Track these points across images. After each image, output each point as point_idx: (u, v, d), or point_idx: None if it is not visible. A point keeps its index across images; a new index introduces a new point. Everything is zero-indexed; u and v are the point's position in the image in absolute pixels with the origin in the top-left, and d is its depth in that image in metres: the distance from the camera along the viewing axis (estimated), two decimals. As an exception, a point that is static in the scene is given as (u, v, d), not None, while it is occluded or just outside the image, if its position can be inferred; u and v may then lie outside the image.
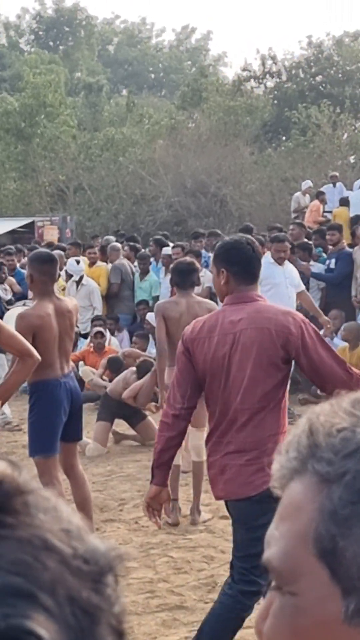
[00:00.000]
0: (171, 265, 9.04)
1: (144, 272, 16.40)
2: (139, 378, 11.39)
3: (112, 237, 20.49)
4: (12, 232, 27.05)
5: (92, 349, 13.87)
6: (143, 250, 17.79)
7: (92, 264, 16.51)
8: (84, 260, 16.26)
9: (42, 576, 0.65)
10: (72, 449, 7.66)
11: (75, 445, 7.75)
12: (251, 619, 6.07)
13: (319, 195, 22.04)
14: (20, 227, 27.68)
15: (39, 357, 6.67)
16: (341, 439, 1.03)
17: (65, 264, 15.79)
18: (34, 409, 7.33)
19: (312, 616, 1.04)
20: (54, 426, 7.32)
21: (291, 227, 16.62)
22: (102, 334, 13.90)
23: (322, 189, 22.56)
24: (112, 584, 0.69)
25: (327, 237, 15.33)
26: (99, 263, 16.58)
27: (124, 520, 8.46)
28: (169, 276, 11.32)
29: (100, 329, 14.00)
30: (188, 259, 9.74)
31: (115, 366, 12.92)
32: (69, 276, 15.73)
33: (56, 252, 16.16)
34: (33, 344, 6.98)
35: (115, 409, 11.24)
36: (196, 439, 8.48)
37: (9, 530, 0.66)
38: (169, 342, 8.42)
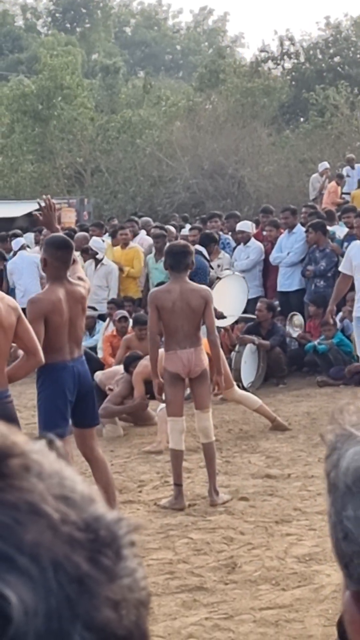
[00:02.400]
0: (164, 249, 8.97)
1: (160, 252, 16.15)
2: (126, 369, 11.53)
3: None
4: (29, 215, 27.01)
5: (115, 332, 13.87)
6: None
7: (124, 245, 16.42)
8: (106, 241, 16.44)
9: (23, 539, 0.64)
10: (88, 434, 7.65)
11: (91, 431, 7.74)
12: (271, 601, 6.09)
13: (340, 177, 21.97)
14: (38, 210, 27.64)
15: (42, 359, 6.70)
16: None
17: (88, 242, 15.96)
18: (41, 391, 7.40)
19: (344, 596, 1.04)
20: (59, 408, 7.35)
21: (304, 209, 16.59)
22: (125, 318, 13.90)
23: (342, 171, 22.47)
24: (112, 555, 0.68)
25: (343, 220, 15.31)
26: (132, 244, 16.47)
27: (143, 502, 8.48)
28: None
29: (125, 313, 13.98)
30: (182, 241, 9.70)
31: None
32: (89, 255, 15.69)
33: (81, 234, 16.28)
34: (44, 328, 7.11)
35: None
36: (202, 421, 8.50)
37: None
38: (166, 330, 8.41)
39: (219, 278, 13.37)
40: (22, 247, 17.71)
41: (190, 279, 12.67)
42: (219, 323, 13.06)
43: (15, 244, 17.81)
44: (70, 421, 7.44)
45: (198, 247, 13.05)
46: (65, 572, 0.64)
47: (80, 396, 7.42)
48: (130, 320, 14.13)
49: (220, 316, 12.75)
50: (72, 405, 7.39)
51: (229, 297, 13.14)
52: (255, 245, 15.41)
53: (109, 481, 7.68)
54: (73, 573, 0.65)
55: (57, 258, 7.32)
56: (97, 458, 7.65)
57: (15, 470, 0.67)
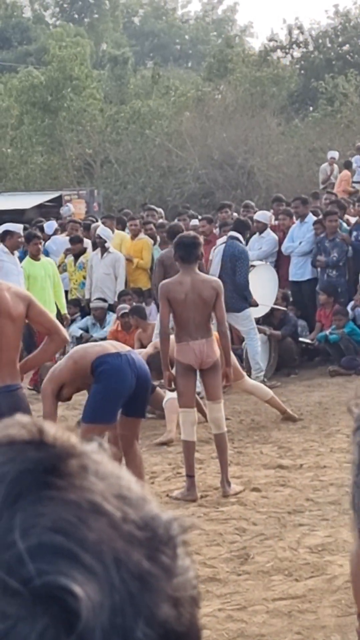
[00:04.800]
0: (174, 240, 8.89)
1: (165, 242, 16.00)
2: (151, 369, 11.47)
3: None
4: (39, 206, 27.05)
5: (119, 328, 13.78)
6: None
7: (134, 236, 16.38)
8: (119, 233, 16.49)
9: (87, 537, 0.65)
10: (135, 424, 7.66)
11: (138, 422, 7.75)
12: (284, 591, 6.09)
13: (349, 165, 21.92)
14: (48, 201, 27.66)
15: (67, 336, 6.70)
16: None
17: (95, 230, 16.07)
18: (100, 379, 7.31)
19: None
20: (117, 398, 7.34)
21: (325, 196, 16.66)
22: (128, 314, 13.85)
23: (352, 160, 22.41)
24: (170, 553, 0.69)
25: (357, 208, 15.29)
26: (141, 236, 16.38)
27: (156, 493, 8.48)
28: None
29: (127, 308, 13.88)
30: (192, 232, 9.67)
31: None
32: (95, 246, 15.73)
33: (96, 225, 16.21)
34: None
35: None
36: (214, 412, 8.50)
37: (57, 492, 0.67)
38: (177, 321, 8.42)
39: (252, 266, 13.41)
40: (56, 232, 17.97)
41: (233, 265, 12.76)
42: (255, 314, 13.12)
43: (48, 227, 18.04)
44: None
45: (234, 233, 13.13)
46: (127, 569, 0.66)
47: (139, 386, 7.44)
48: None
49: (254, 304, 12.81)
50: (129, 395, 7.39)
51: (261, 287, 13.21)
52: (270, 236, 15.31)
53: (141, 477, 7.69)
54: (134, 570, 0.66)
55: None
56: (134, 452, 7.67)
57: (75, 470, 0.69)
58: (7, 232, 13.15)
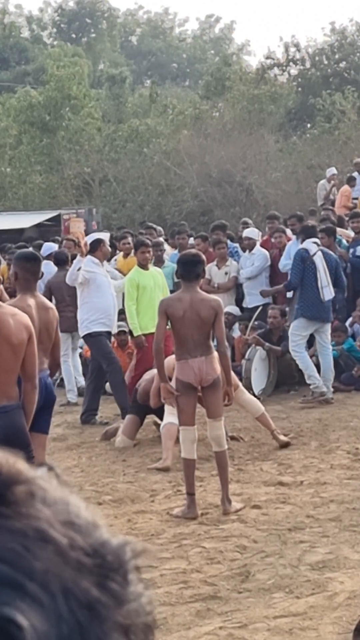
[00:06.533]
0: (176, 257, 8.95)
1: (159, 260, 15.94)
2: None
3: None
4: (38, 226, 27.09)
5: (115, 345, 13.83)
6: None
7: (126, 255, 16.29)
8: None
9: (32, 566, 0.64)
10: (39, 440, 7.76)
11: (43, 437, 7.90)
12: (285, 609, 6.07)
13: (350, 181, 21.92)
14: (47, 220, 27.70)
15: (37, 386, 6.79)
16: None
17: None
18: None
19: None
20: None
21: (322, 213, 16.71)
22: (124, 332, 13.92)
23: (354, 175, 22.41)
24: (120, 580, 0.68)
25: (351, 225, 15.30)
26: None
27: (156, 512, 8.48)
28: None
29: (124, 326, 13.89)
30: (193, 250, 9.69)
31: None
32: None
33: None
34: None
35: (146, 408, 11.28)
36: (215, 429, 8.48)
37: (1, 520, 0.66)
38: (176, 339, 8.43)
39: None
40: (50, 255, 17.70)
41: (336, 273, 12.88)
42: None
43: (45, 249, 17.60)
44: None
45: (316, 240, 13.04)
46: (75, 598, 0.64)
47: (44, 406, 7.59)
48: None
49: None
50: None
51: None
52: (260, 252, 15.35)
53: None
54: (83, 599, 0.65)
55: (27, 270, 7.62)
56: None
57: (21, 497, 0.68)
58: (99, 241, 12.46)
